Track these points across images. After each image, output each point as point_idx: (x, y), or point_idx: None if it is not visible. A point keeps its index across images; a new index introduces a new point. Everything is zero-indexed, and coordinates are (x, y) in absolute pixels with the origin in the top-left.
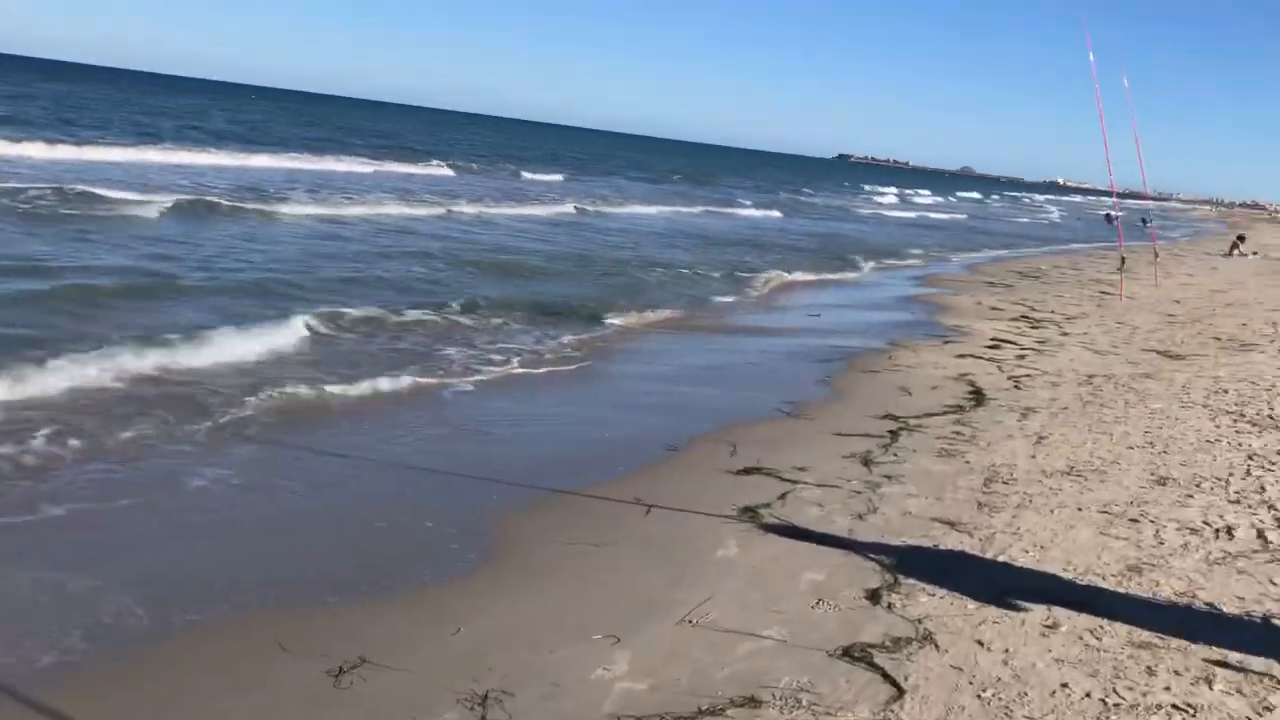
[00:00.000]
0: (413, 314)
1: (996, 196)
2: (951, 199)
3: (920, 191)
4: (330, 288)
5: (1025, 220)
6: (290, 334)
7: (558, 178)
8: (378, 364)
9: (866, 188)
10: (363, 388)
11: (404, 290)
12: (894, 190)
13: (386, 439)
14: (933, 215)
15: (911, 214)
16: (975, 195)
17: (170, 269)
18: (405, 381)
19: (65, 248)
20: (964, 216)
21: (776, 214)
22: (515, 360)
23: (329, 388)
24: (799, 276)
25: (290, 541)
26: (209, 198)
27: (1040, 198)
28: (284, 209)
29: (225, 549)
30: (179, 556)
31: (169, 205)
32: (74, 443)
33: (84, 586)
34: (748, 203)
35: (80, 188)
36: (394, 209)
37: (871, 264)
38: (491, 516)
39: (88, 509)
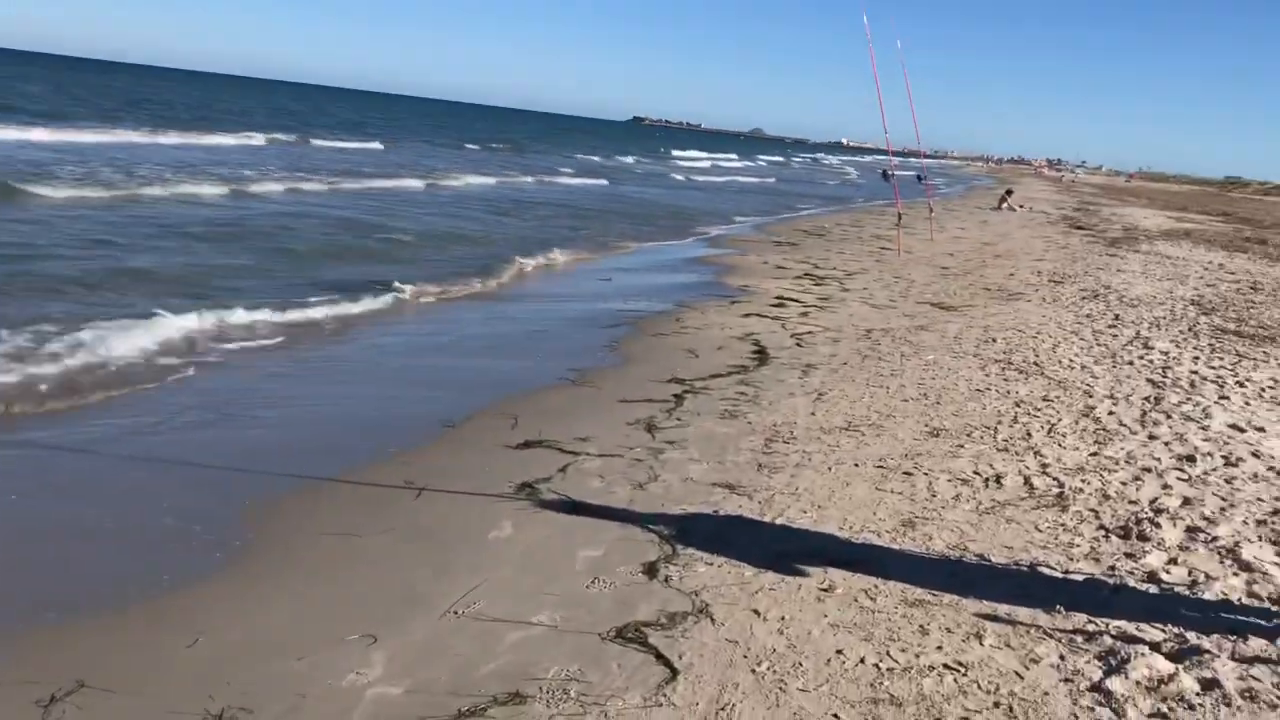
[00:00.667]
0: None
1: (799, 159)
2: (759, 161)
3: (728, 155)
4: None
5: (833, 182)
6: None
7: (375, 146)
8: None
9: (675, 153)
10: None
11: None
12: (703, 154)
13: (126, 429)
14: (742, 179)
15: (722, 178)
16: (778, 158)
17: None
18: (145, 355)
19: None
20: (772, 179)
21: (603, 181)
22: (280, 336)
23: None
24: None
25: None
26: None
27: (834, 159)
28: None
29: None
30: None
31: None
32: None
33: None
34: (569, 170)
35: None
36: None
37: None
38: (242, 510)
39: None
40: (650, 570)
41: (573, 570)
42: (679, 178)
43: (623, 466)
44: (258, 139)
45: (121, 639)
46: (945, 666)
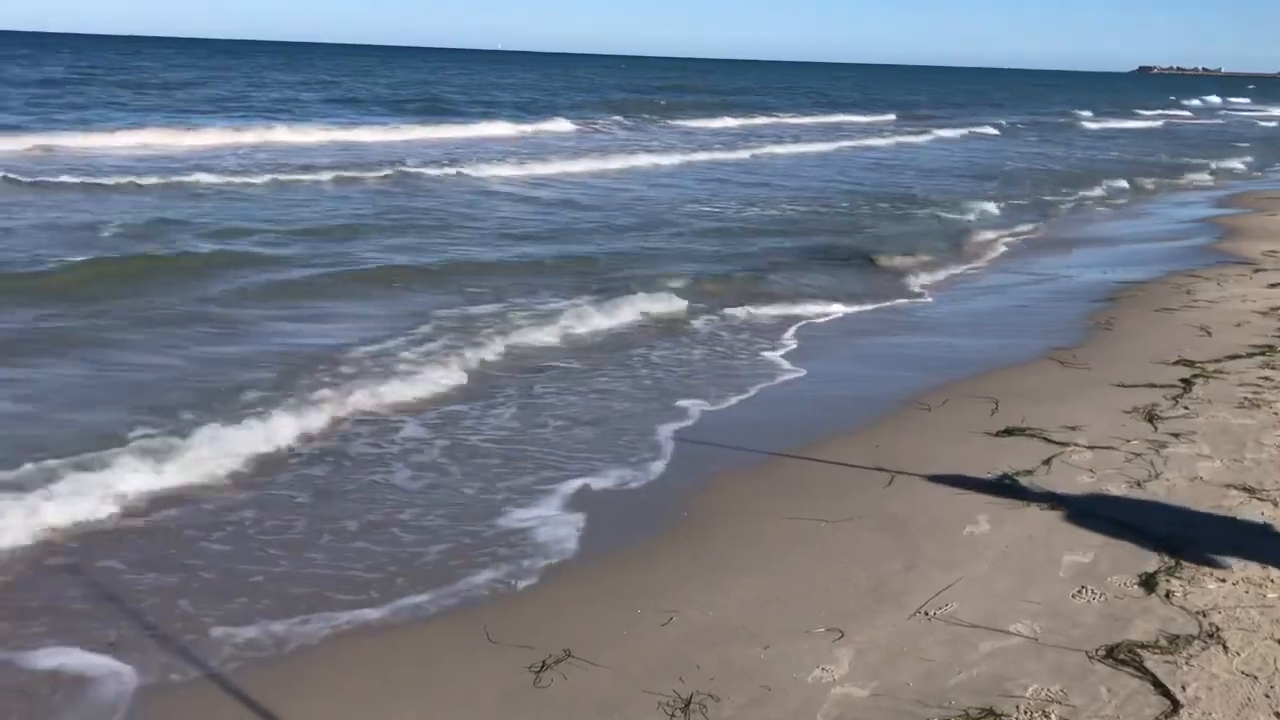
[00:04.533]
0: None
1: None
2: None
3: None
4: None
5: None
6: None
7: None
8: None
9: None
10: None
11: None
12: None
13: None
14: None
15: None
16: None
17: None
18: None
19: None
20: None
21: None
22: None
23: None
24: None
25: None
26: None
27: None
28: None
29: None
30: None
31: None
32: None
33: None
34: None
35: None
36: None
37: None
38: (708, 485)
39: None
40: (1147, 583)
41: (1056, 576)
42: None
43: (1118, 461)
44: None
45: (597, 610)
46: None
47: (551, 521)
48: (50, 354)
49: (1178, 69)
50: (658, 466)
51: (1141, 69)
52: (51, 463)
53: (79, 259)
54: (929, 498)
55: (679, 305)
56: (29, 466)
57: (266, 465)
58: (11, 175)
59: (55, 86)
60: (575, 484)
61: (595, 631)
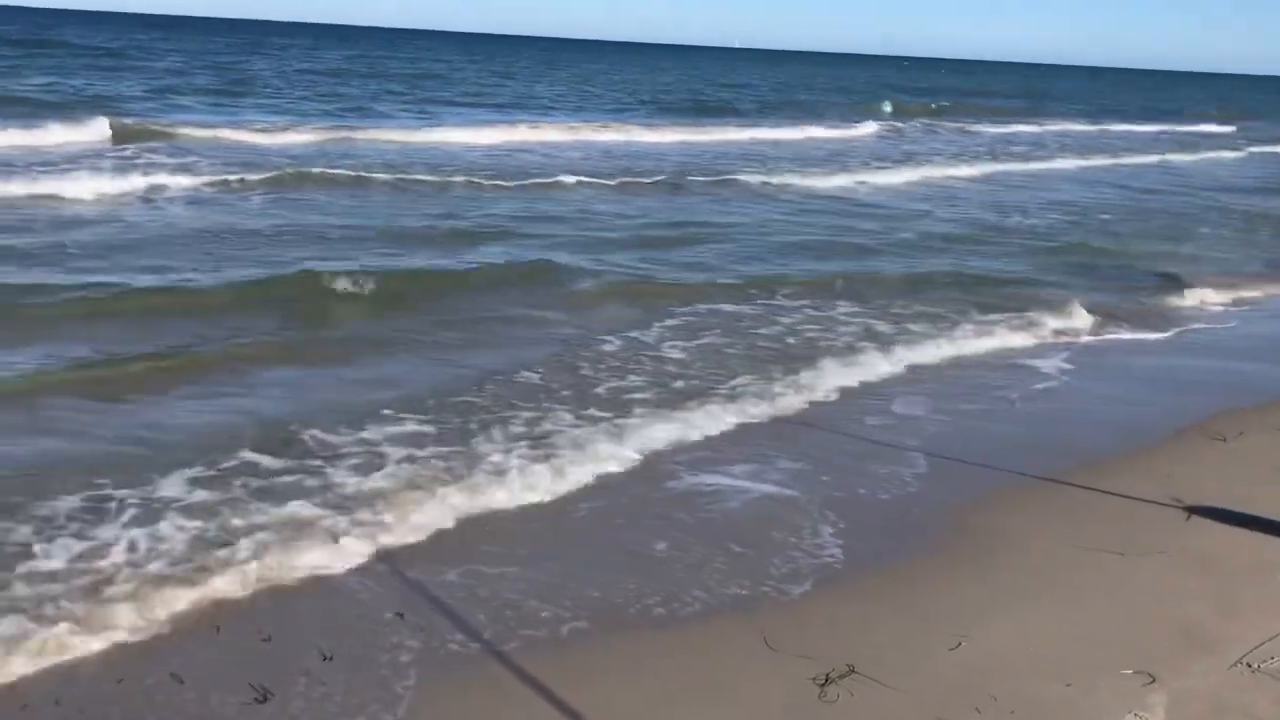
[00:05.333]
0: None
1: None
2: None
3: None
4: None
5: None
6: None
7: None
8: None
9: None
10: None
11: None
12: None
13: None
14: None
15: None
16: None
17: None
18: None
19: None
20: None
21: None
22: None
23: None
24: None
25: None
26: None
27: None
28: None
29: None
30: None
31: None
32: None
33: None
34: None
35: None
36: None
37: None
38: (979, 502)
39: None
40: None
41: None
42: None
43: None
44: None
45: (881, 625)
46: None
47: (810, 529)
48: None
49: None
50: (916, 477)
51: None
52: None
53: None
54: (1238, 539)
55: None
56: None
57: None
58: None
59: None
60: (828, 491)
61: (878, 648)
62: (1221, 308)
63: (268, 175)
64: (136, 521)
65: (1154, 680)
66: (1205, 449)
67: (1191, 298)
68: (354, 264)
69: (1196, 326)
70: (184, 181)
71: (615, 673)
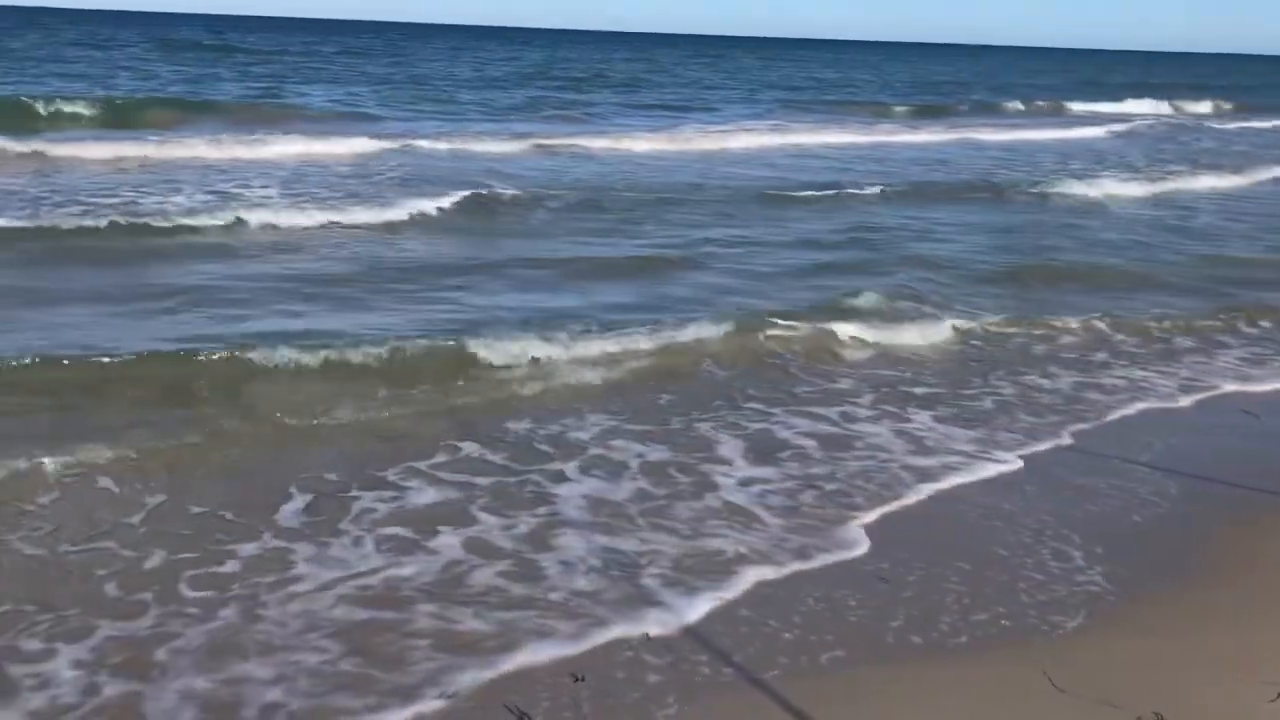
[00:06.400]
0: None
1: None
2: None
3: None
4: None
5: None
6: None
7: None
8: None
9: None
10: None
11: None
12: None
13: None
14: None
15: None
16: None
17: None
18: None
19: None
20: None
21: None
22: None
23: None
24: None
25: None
26: None
27: None
28: None
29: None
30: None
31: None
32: None
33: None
34: None
35: None
36: None
37: None
38: (1238, 524)
39: None
40: None
41: None
42: None
43: None
44: None
45: (1186, 670)
46: None
47: (1053, 551)
48: None
49: None
50: (1163, 496)
51: None
52: None
53: None
54: None
55: None
56: None
57: None
58: None
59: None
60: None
61: (1183, 694)
62: None
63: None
64: None
65: None
66: None
67: None
68: None
69: None
70: None
71: (879, 706)
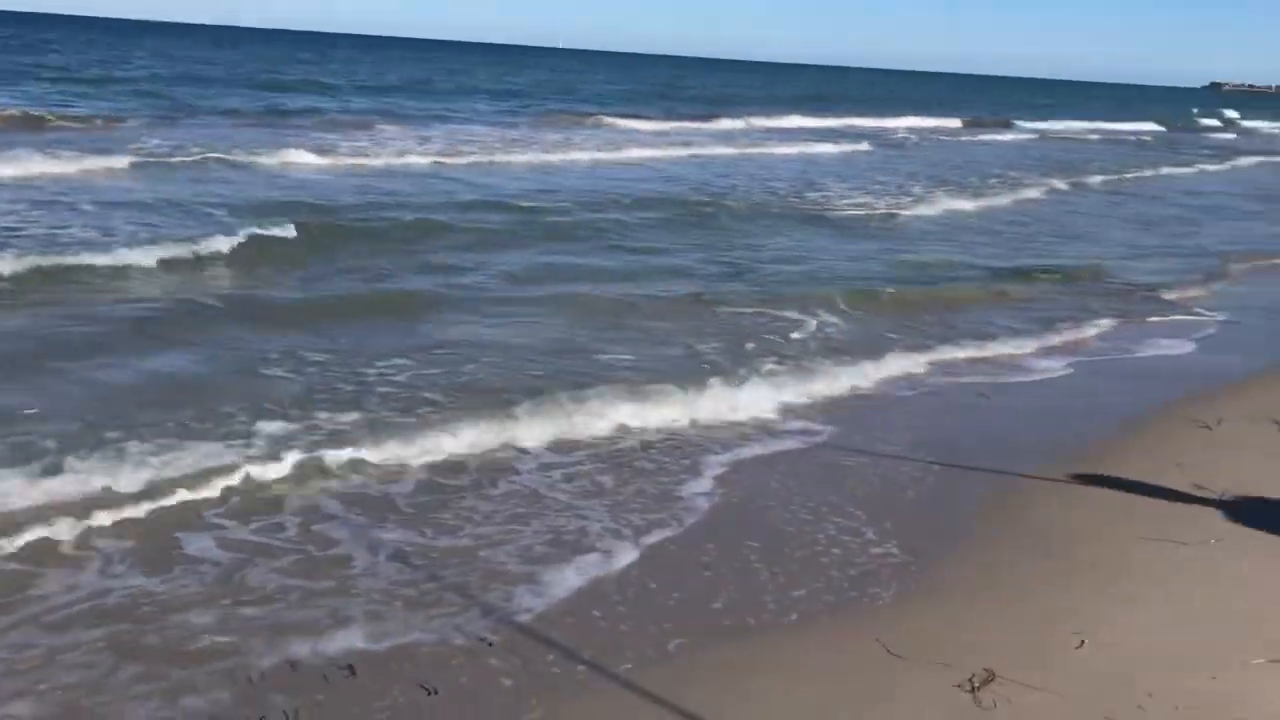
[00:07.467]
0: None
1: None
2: None
3: None
4: None
5: None
6: None
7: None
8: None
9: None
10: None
11: None
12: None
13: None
14: None
15: None
16: None
17: None
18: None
19: None
20: None
21: None
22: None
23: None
24: None
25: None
26: None
27: None
28: None
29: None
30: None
31: None
32: None
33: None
34: None
35: None
36: None
37: None
38: (1029, 503)
39: None
40: None
41: None
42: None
43: None
44: None
45: (1002, 629)
46: None
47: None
48: None
49: (1249, 86)
50: (934, 475)
51: (1212, 84)
52: None
53: None
54: (1277, 521)
55: None
56: None
57: None
58: None
59: None
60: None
61: (1004, 651)
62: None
63: None
64: None
65: None
66: (1196, 436)
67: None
68: None
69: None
70: None
71: (737, 687)
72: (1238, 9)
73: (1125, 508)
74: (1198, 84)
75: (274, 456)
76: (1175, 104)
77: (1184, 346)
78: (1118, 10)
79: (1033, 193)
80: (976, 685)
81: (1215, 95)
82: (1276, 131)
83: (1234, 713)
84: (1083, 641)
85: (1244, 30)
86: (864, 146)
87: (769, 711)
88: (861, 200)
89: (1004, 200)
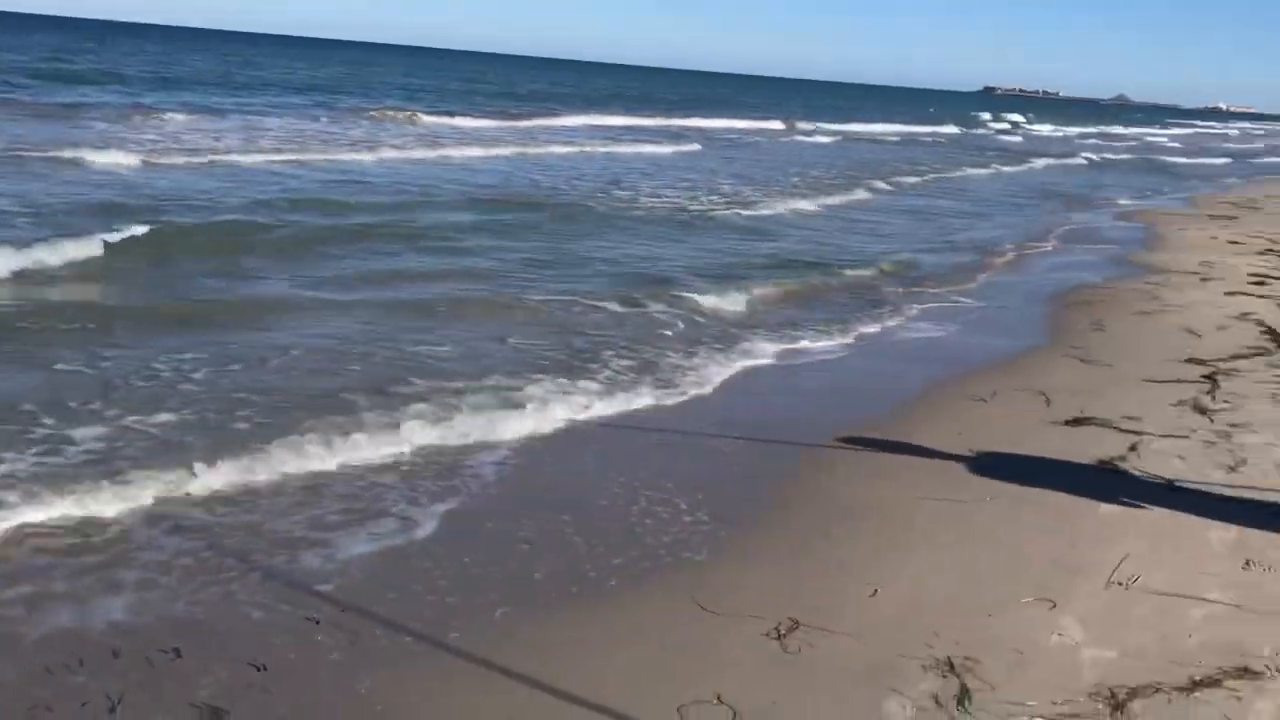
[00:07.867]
0: None
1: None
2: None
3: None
4: None
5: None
6: None
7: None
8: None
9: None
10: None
11: None
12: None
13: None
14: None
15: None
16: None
17: None
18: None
19: None
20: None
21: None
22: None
23: None
24: None
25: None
26: None
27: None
28: None
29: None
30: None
31: None
32: None
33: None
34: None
35: None
36: None
37: None
38: (813, 474)
39: None
40: None
41: (1214, 551)
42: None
43: (1198, 449)
44: None
45: (801, 584)
46: None
47: (662, 503)
48: None
49: (1020, 90)
50: (718, 448)
51: (986, 89)
52: None
53: None
54: (1044, 480)
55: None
56: None
57: None
58: None
59: None
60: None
61: (805, 602)
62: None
63: None
64: None
65: (1055, 605)
66: (970, 410)
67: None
68: None
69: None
70: None
71: (565, 650)
72: (1009, 19)
73: (912, 472)
74: (973, 88)
75: None
76: (953, 106)
77: (957, 329)
78: (904, 16)
79: (861, 194)
80: (783, 633)
81: (989, 98)
82: (1058, 135)
83: (1008, 644)
84: (876, 591)
85: (1013, 38)
86: (696, 146)
87: (597, 669)
88: (673, 199)
89: (838, 199)
